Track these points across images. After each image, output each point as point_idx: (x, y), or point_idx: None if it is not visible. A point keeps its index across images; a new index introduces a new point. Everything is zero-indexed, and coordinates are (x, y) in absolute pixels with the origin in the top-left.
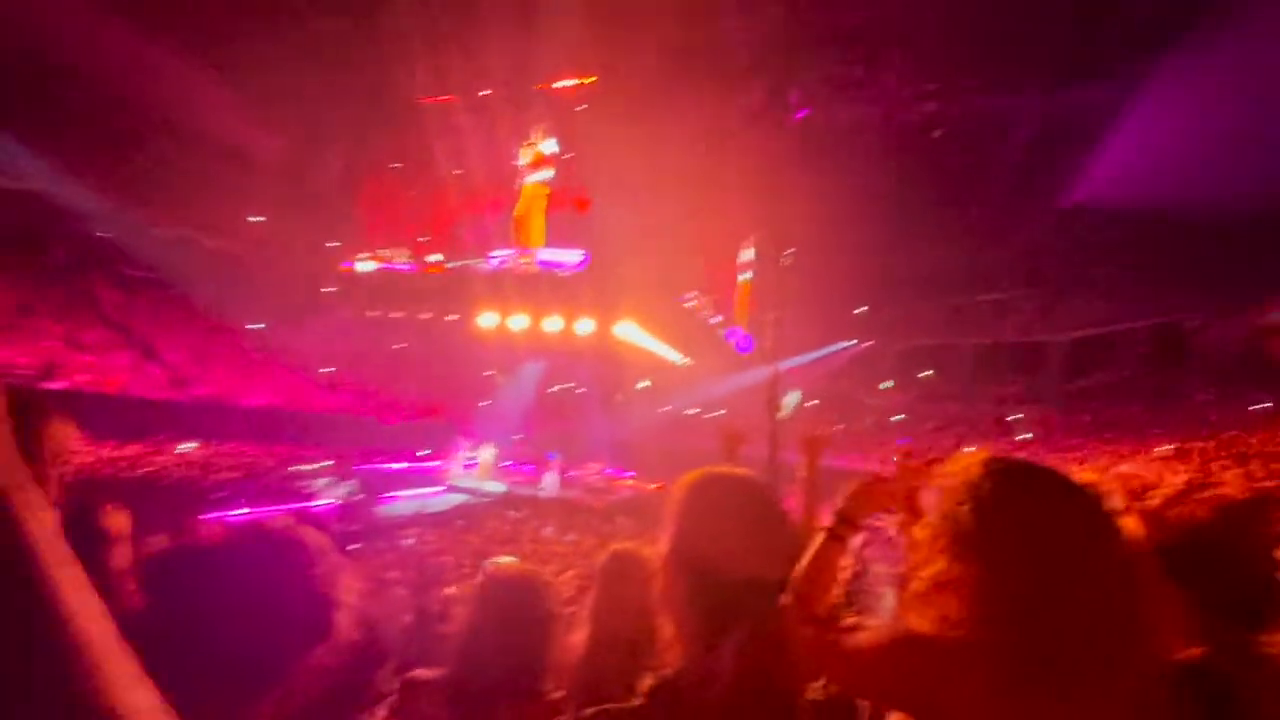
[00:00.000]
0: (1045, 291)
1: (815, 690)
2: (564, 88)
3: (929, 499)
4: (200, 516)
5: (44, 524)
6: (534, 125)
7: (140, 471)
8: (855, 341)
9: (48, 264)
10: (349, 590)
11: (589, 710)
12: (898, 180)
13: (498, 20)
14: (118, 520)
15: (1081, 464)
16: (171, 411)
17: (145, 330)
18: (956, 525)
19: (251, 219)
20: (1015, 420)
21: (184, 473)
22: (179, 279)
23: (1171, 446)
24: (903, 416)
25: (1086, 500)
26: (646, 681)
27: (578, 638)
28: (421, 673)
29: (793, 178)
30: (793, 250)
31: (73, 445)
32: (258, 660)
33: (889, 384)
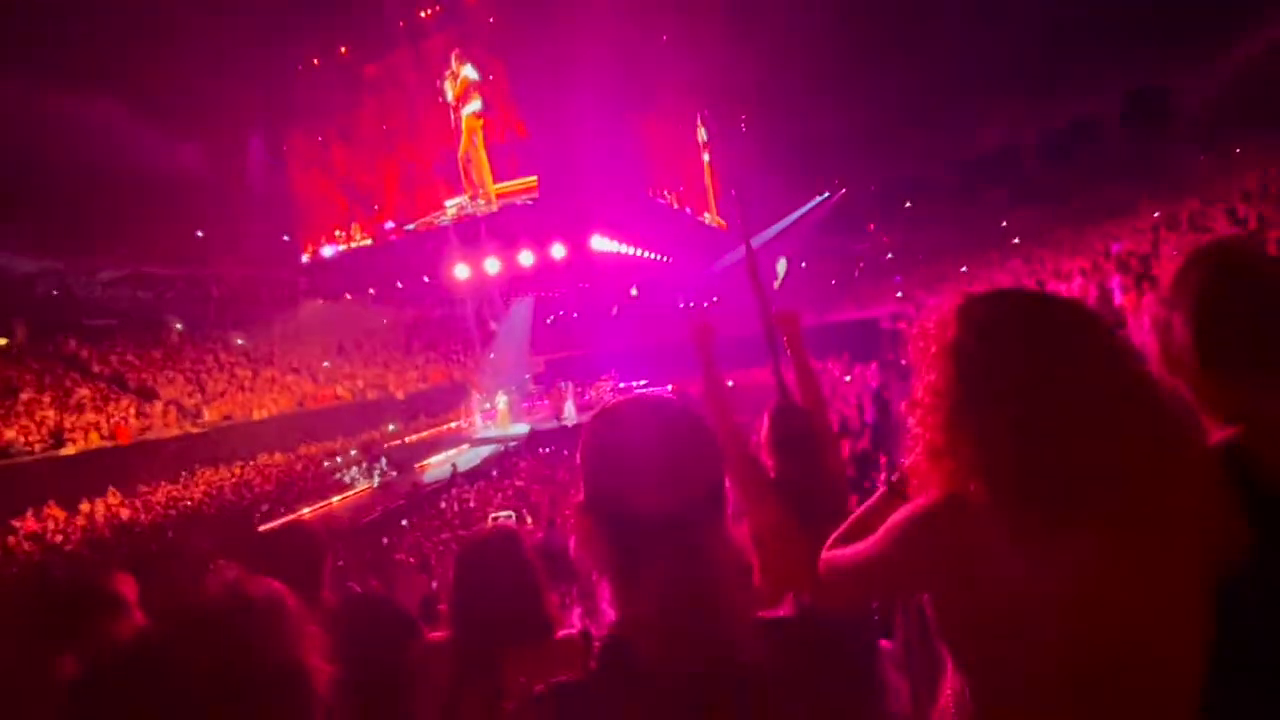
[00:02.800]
0: (1010, 90)
1: (790, 603)
2: (465, 2)
3: (914, 349)
4: (251, 531)
5: None
6: (449, 53)
7: (180, 509)
8: (827, 195)
9: (12, 337)
10: None
11: (540, 689)
12: (837, 11)
13: None
14: (126, 587)
15: (1075, 251)
16: (189, 444)
17: (135, 375)
18: (946, 347)
19: (198, 234)
20: (1004, 227)
21: (222, 499)
22: (147, 314)
23: (1158, 213)
24: (891, 255)
25: (1073, 308)
26: (595, 647)
27: None
28: (432, 635)
29: (730, 39)
30: (744, 117)
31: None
32: None
33: (872, 226)
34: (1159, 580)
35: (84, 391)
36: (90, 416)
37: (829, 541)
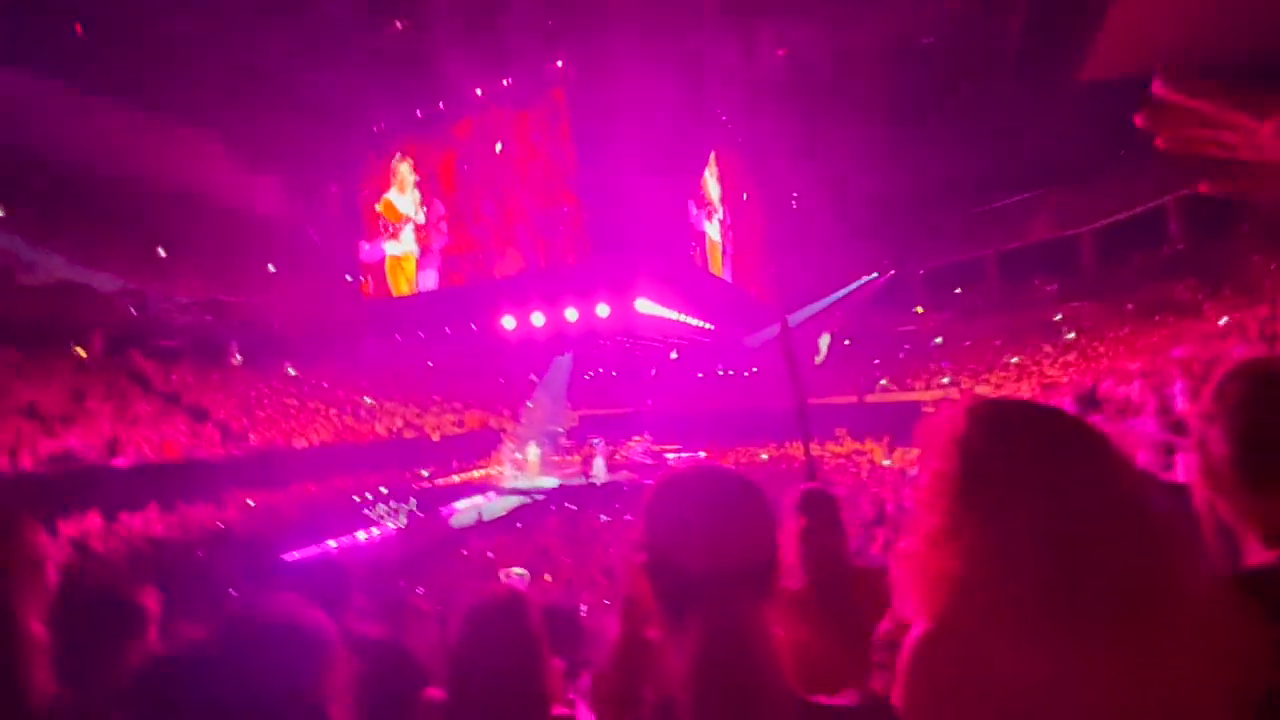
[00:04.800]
0: (1068, 182)
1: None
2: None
3: (918, 455)
4: (279, 559)
5: None
6: (515, 118)
7: (212, 529)
8: (875, 275)
9: (89, 349)
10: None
11: None
12: (889, 98)
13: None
14: (151, 600)
15: (1134, 354)
16: (231, 467)
17: (191, 395)
18: (950, 480)
19: (269, 268)
20: (1057, 322)
21: (252, 523)
22: (211, 340)
23: (1225, 319)
24: (940, 340)
25: (1086, 433)
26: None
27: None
28: (433, 694)
29: (780, 119)
30: (795, 195)
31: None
32: None
33: (920, 309)
34: (1176, 707)
35: (143, 407)
36: (145, 431)
37: None
